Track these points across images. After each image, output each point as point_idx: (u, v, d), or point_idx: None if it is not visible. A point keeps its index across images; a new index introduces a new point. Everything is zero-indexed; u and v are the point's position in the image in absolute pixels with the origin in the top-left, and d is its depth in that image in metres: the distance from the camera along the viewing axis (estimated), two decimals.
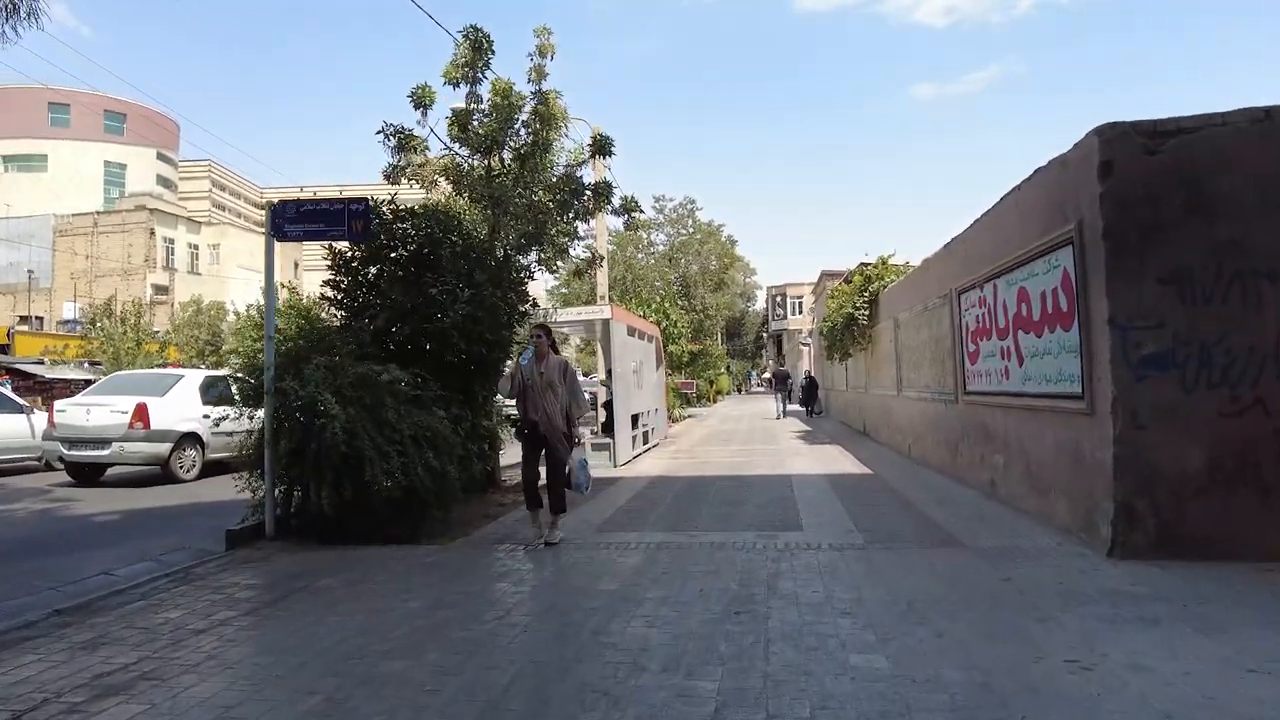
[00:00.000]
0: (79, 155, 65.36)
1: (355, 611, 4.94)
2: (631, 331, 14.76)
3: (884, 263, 15.50)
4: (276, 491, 7.63)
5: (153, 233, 54.09)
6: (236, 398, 8.09)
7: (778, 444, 16.56)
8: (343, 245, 8.41)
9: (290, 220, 7.59)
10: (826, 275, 26.08)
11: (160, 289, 53.16)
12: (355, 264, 8.53)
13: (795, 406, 33.54)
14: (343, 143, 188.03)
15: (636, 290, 22.76)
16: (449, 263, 8.09)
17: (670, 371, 25.47)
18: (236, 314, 39.31)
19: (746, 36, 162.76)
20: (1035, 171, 6.79)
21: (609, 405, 15.26)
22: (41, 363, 31.71)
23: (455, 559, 6.47)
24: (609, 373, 15.52)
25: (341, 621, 4.72)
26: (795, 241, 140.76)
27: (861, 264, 15.80)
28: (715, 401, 45.96)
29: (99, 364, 31.04)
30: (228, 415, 7.81)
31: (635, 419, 14.97)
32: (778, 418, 25.33)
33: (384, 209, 8.26)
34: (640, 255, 28.04)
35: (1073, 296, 6.00)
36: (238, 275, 51.05)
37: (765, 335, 75.83)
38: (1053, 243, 6.33)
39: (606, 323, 12.81)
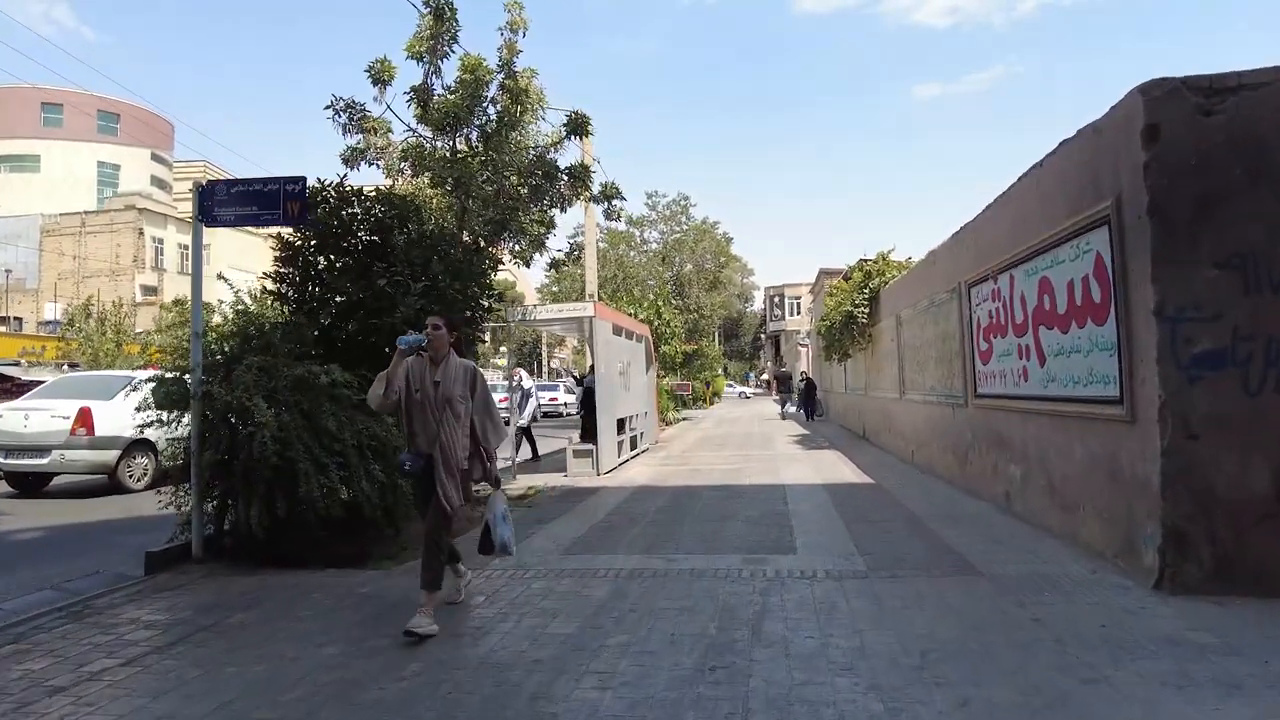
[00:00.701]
0: (72, 156, 64.89)
1: (258, 660, 4.11)
2: (618, 331, 13.92)
3: (884, 258, 14.67)
4: (209, 507, 6.83)
5: (141, 233, 53.34)
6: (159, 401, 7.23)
7: (773, 449, 15.72)
8: (293, 233, 7.60)
9: (220, 203, 6.76)
10: (825, 274, 25.24)
11: (149, 290, 52.42)
12: (308, 253, 7.70)
13: (790, 409, 32.79)
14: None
15: (628, 289, 21.88)
16: (402, 252, 7.26)
17: (663, 373, 24.64)
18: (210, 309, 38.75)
19: (745, 38, 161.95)
20: (1061, 144, 5.96)
21: (587, 404, 14.44)
22: (18, 364, 30.83)
23: (395, 588, 5.63)
24: (581, 374, 14.72)
25: (238, 674, 3.89)
26: (794, 243, 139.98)
27: (861, 260, 14.98)
28: (711, 404, 45.15)
29: (77, 366, 30.21)
30: (154, 421, 6.96)
31: (622, 423, 14.13)
32: (781, 418, 25.26)
33: (329, 191, 7.42)
34: (633, 254, 27.14)
35: (1108, 285, 5.17)
36: (229, 275, 50.29)
37: (763, 336, 75.02)
38: (1083, 224, 5.50)
39: (590, 321, 11.98)
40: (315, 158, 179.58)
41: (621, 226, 28.09)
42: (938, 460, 10.39)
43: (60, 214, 56.85)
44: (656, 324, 20.14)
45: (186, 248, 52.83)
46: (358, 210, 7.37)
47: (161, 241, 54.03)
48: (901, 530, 7.00)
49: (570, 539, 7.11)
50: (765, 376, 71.79)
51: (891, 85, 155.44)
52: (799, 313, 60.39)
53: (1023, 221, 6.85)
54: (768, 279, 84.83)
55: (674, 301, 28.22)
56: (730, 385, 69.90)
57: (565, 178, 8.90)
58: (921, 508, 8.08)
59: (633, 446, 15.16)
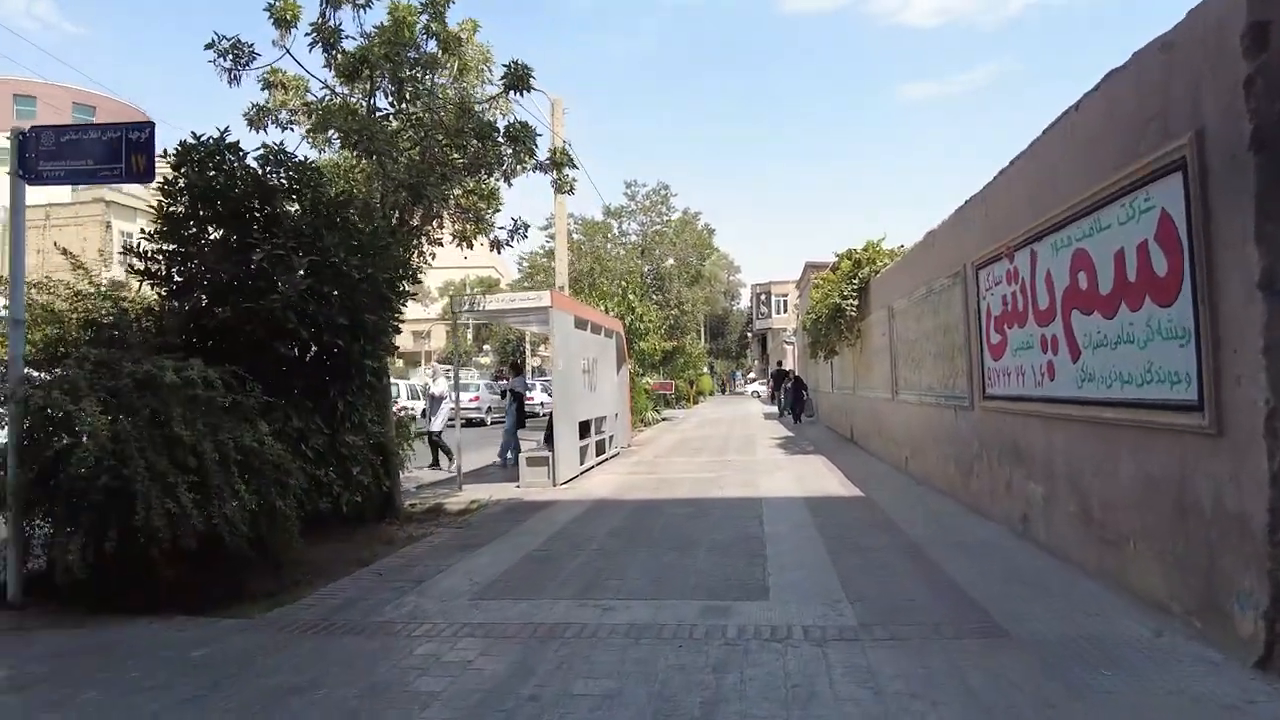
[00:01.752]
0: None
1: None
2: (582, 324, 12.58)
3: (874, 247, 13.39)
4: (41, 534, 5.49)
5: (109, 226, 51.55)
6: None
7: (754, 454, 14.43)
8: (165, 197, 6.24)
9: (47, 155, 5.40)
10: (811, 267, 23.96)
11: (117, 284, 50.86)
12: (185, 224, 6.33)
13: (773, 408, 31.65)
14: None
15: (603, 282, 20.46)
16: (289, 221, 5.90)
17: (640, 371, 23.30)
18: None
19: (733, 37, 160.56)
20: (1109, 76, 4.67)
21: (516, 407, 13.19)
22: None
23: (234, 653, 4.27)
24: (512, 370, 13.40)
25: None
26: (782, 242, 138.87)
27: (849, 249, 13.73)
28: (696, 403, 43.84)
29: None
30: None
31: (586, 427, 12.78)
32: (780, 416, 24.89)
33: (204, 145, 6.05)
34: (610, 246, 25.72)
35: (1179, 252, 3.89)
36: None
37: (750, 335, 73.81)
38: (1141, 175, 4.21)
39: (546, 312, 10.65)
40: None
41: (599, 216, 26.78)
42: (936, 470, 9.12)
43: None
44: (630, 319, 18.80)
45: None
46: (230, 166, 5.99)
47: (130, 236, 52.32)
48: (898, 562, 5.70)
49: (492, 575, 5.76)
50: (752, 375, 70.60)
51: (880, 85, 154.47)
52: (786, 310, 59.21)
53: (1050, 183, 5.56)
54: (755, 277, 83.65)
55: (654, 296, 26.90)
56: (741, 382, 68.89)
57: (503, 139, 7.53)
58: (920, 530, 6.79)
59: (600, 451, 13.83)
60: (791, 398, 23.98)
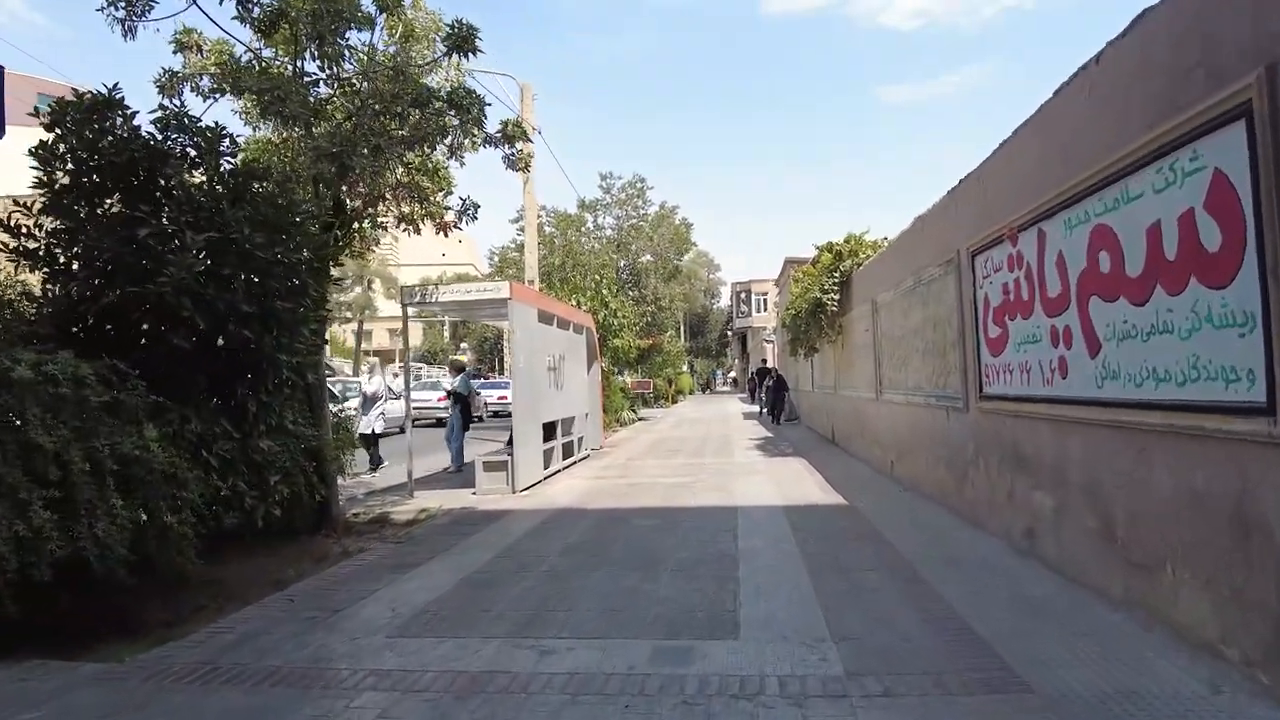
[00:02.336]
0: (7, 140, 62.91)
1: None
2: (547, 318, 11.78)
3: (857, 239, 12.69)
4: None
5: None
6: None
7: (731, 456, 13.69)
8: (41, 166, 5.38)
9: None
10: (791, 263, 23.28)
11: None
12: (69, 196, 5.45)
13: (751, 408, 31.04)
14: None
15: (570, 276, 19.60)
16: (181, 192, 5.06)
17: (614, 369, 22.51)
18: None
19: (714, 38, 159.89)
20: (1136, 20, 3.95)
21: (461, 410, 12.40)
22: None
23: (76, 713, 3.44)
24: (453, 370, 12.59)
25: None
26: (763, 242, 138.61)
27: (830, 242, 13.02)
28: (675, 402, 43.11)
29: None
30: None
31: (551, 429, 11.99)
32: (760, 415, 24.48)
33: (86, 98, 5.20)
34: (585, 240, 24.84)
35: (1239, 219, 3.17)
36: None
37: (730, 333, 73.26)
38: (1186, 130, 3.50)
39: (504, 304, 9.84)
40: None
41: (572, 208, 25.86)
42: (925, 475, 8.42)
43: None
44: (603, 315, 17.99)
45: None
46: (123, 130, 5.14)
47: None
48: (888, 587, 4.96)
49: (420, 604, 4.96)
50: (733, 374, 70.06)
51: (860, 86, 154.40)
52: (766, 309, 58.69)
53: (1061, 152, 4.85)
54: (736, 276, 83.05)
55: (630, 292, 26.09)
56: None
57: (446, 106, 6.69)
58: (911, 546, 6.07)
59: (569, 454, 13.03)
60: (772, 398, 22.88)
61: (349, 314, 50.12)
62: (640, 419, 26.98)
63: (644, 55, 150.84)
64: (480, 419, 23.25)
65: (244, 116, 7.89)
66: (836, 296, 12.64)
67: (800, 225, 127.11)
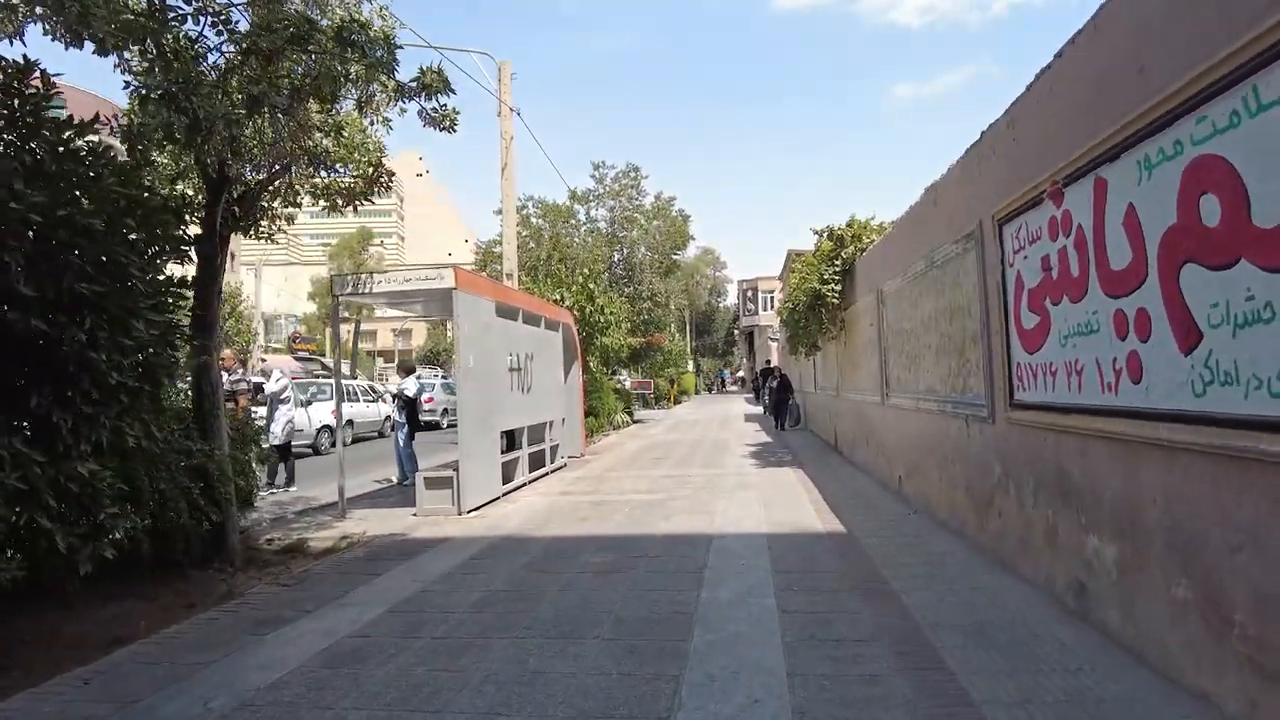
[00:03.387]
0: None
1: None
2: (509, 312, 10.42)
3: (861, 224, 11.27)
4: None
5: None
6: None
7: (722, 465, 12.29)
8: None
9: None
10: (795, 256, 21.81)
11: None
12: None
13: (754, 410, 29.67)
14: None
15: (555, 269, 18.16)
16: None
17: (604, 369, 21.11)
18: None
19: (723, 34, 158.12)
20: None
21: (410, 416, 11.09)
22: None
23: None
24: (402, 371, 11.20)
25: None
26: (770, 239, 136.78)
27: (829, 226, 11.60)
28: (677, 403, 41.69)
29: None
30: None
31: (514, 437, 10.64)
32: (763, 416, 23.57)
33: None
34: (576, 233, 23.37)
35: None
36: None
37: (737, 332, 71.71)
38: None
39: (449, 296, 8.48)
40: None
41: (565, 200, 24.36)
42: (938, 496, 7.02)
43: None
44: (590, 310, 16.59)
45: None
46: None
47: None
48: (894, 679, 3.56)
49: (248, 690, 3.61)
50: (741, 373, 68.56)
51: (868, 84, 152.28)
52: (772, 307, 57.26)
53: (1137, 56, 3.45)
54: (743, 274, 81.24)
55: (624, 288, 24.65)
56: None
57: (335, 44, 5.32)
58: (923, 600, 4.67)
59: (539, 465, 11.69)
60: (775, 399, 20.76)
61: (346, 314, 49.05)
62: (636, 422, 25.59)
63: (648, 50, 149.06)
64: (437, 425, 21.84)
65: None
66: (838, 288, 11.22)
67: (809, 218, 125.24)
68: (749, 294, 66.04)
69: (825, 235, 11.49)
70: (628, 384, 32.61)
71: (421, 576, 5.75)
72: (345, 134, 6.34)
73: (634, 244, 25.45)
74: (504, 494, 9.65)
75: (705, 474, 11.28)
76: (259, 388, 11.23)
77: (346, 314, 45.00)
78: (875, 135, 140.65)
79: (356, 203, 6.73)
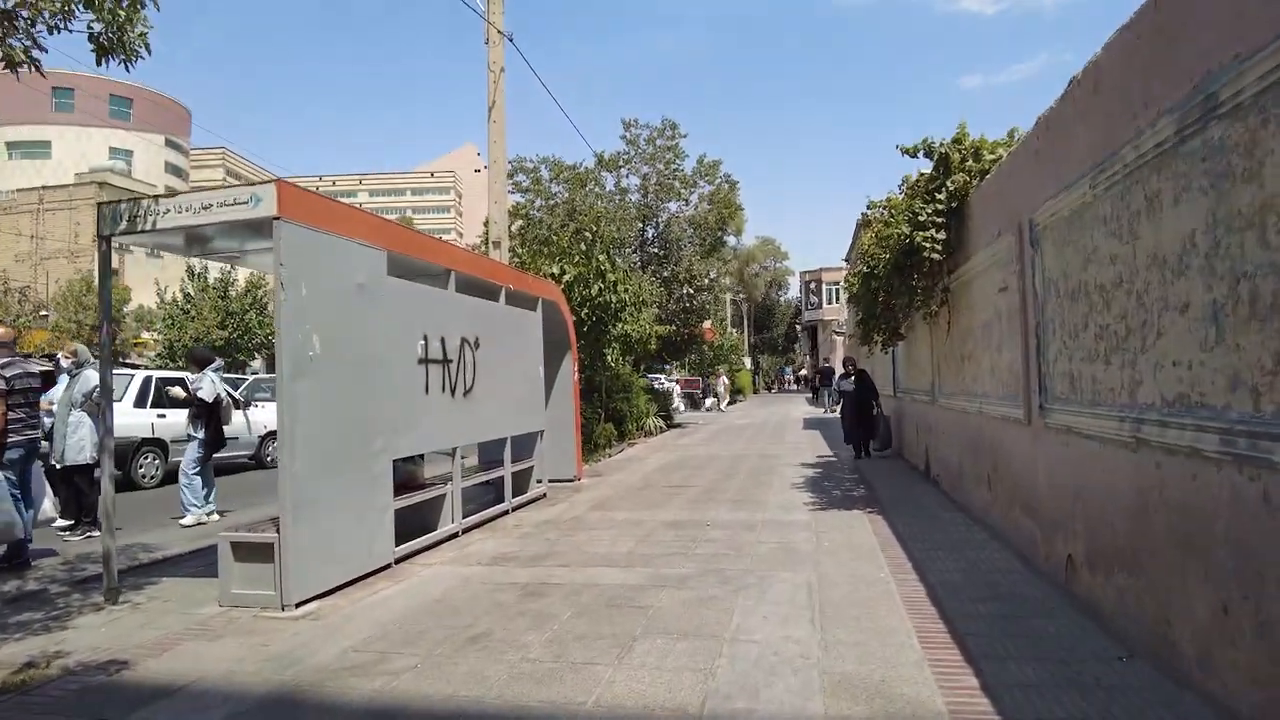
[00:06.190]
0: (83, 141, 65.82)
1: None
2: (418, 271, 6.84)
3: (979, 141, 7.24)
4: None
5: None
6: None
7: (761, 505, 8.42)
8: None
9: None
10: (871, 205, 17.58)
11: (111, 272, 48.34)
12: None
13: (834, 411, 25.61)
14: (364, 134, 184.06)
15: (553, 237, 14.42)
16: None
17: (630, 364, 17.34)
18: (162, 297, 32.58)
19: (784, 28, 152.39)
20: None
21: (211, 438, 7.85)
22: None
23: None
24: (193, 362, 7.68)
25: None
26: (833, 233, 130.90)
27: (925, 139, 7.58)
28: (733, 403, 37.66)
29: None
30: None
31: (410, 473, 7.07)
32: (823, 413, 21.88)
33: None
34: (600, 202, 19.58)
35: None
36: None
37: (799, 327, 66.99)
38: None
39: (271, 229, 4.87)
40: (334, 148, 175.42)
41: (589, 160, 20.49)
42: (1188, 624, 3.04)
43: (15, 190, 52.83)
44: (598, 287, 12.79)
45: None
46: None
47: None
48: None
49: None
50: (803, 371, 64.03)
51: (937, 76, 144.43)
52: (837, 300, 52.81)
53: None
54: (804, 266, 76.28)
55: (661, 270, 20.71)
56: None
57: None
58: None
59: (495, 500, 8.07)
60: (852, 409, 12.88)
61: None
62: (675, 426, 21.77)
63: (711, 46, 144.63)
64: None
65: None
66: (940, 235, 7.18)
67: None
68: (812, 286, 61.46)
69: (921, 153, 7.47)
70: (671, 383, 28.82)
71: None
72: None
73: (672, 217, 21.46)
74: (396, 560, 6.01)
75: (731, 522, 7.43)
76: (48, 376, 7.95)
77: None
78: (940, 126, 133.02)
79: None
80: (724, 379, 35.62)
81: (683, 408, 30.33)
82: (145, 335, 37.96)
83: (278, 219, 4.94)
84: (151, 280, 35.36)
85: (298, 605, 4.89)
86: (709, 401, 33.25)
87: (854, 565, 5.59)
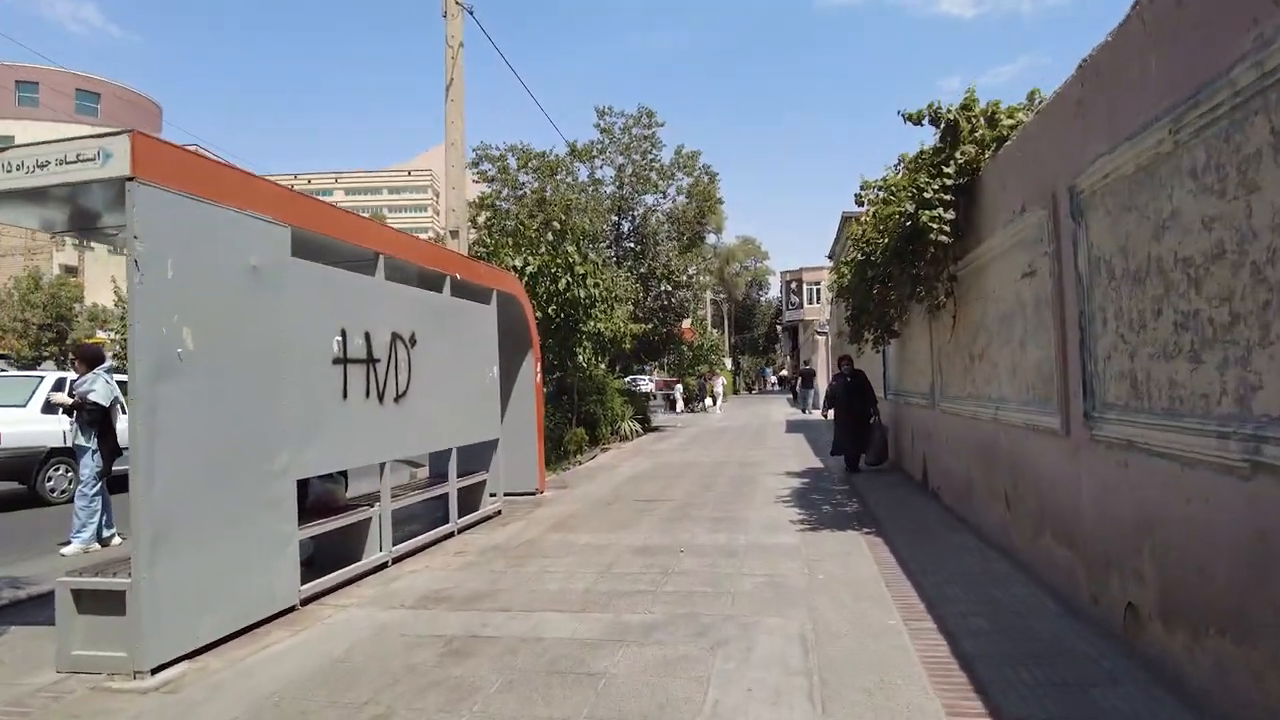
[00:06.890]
0: (48, 136, 62.81)
1: None
2: (335, 253, 5.80)
3: (993, 106, 6.30)
4: None
5: None
6: None
7: (743, 526, 7.43)
8: None
9: None
10: (851, 220, 16.74)
11: (70, 270, 46.78)
12: None
13: (814, 413, 24.78)
14: (341, 133, 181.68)
15: (518, 228, 13.34)
16: None
17: (604, 365, 16.34)
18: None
19: (765, 32, 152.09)
20: None
21: (104, 448, 7.01)
22: None
23: None
24: (82, 361, 6.63)
25: None
26: (814, 237, 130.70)
27: (932, 103, 6.62)
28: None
29: None
30: None
31: (324, 499, 6.01)
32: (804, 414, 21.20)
33: None
34: (572, 193, 18.53)
35: None
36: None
37: (780, 327, 66.24)
38: None
39: (121, 193, 3.83)
40: (312, 147, 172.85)
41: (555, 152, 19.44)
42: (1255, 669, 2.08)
43: None
44: (568, 283, 11.78)
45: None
46: None
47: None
48: None
49: None
50: (784, 371, 63.29)
51: (915, 79, 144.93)
52: (818, 299, 52.18)
53: None
54: (784, 266, 75.45)
55: (638, 266, 19.71)
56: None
57: None
58: None
59: (440, 521, 7.03)
60: (844, 416, 11.23)
61: None
62: (653, 430, 20.76)
63: (691, 48, 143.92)
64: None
65: None
66: (949, 214, 6.21)
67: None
68: (793, 286, 60.68)
69: (926, 119, 6.49)
70: (649, 385, 27.75)
71: None
72: None
73: (649, 210, 20.46)
74: (304, 600, 4.95)
75: (709, 546, 6.43)
76: None
77: None
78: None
79: None
80: (721, 380, 34.82)
81: (661, 409, 29.35)
82: (100, 335, 36.43)
83: (131, 179, 3.87)
84: (109, 278, 33.85)
85: (155, 671, 3.82)
86: (706, 401, 32.33)
87: (856, 607, 4.60)
